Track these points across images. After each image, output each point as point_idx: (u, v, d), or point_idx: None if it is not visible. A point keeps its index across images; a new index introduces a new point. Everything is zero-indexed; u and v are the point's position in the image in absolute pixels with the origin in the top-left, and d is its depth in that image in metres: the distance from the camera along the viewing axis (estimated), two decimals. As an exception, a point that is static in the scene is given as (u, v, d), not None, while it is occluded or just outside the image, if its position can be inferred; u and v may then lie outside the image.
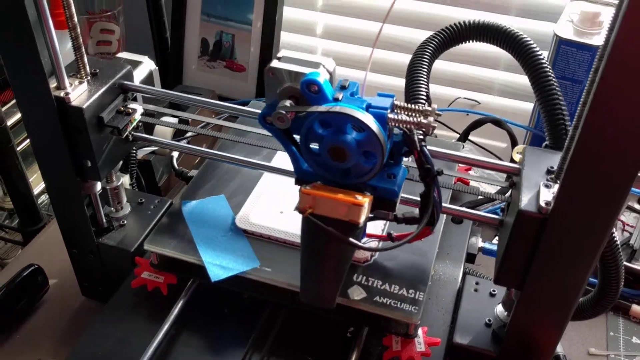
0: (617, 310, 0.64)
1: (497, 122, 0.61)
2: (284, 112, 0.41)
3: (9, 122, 0.76)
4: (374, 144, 0.40)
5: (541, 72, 0.48)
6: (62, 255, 0.61)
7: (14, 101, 0.83)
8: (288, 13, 1.02)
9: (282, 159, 0.54)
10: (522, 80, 0.95)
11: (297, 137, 0.44)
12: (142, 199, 0.62)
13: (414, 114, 0.41)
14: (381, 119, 0.41)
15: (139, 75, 0.57)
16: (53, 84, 0.49)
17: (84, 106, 0.49)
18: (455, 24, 0.52)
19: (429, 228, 0.44)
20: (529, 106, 0.81)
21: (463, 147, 0.62)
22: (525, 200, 0.41)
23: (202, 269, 0.49)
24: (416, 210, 0.45)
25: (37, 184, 0.87)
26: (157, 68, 0.59)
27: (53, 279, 0.66)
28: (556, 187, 0.41)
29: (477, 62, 0.96)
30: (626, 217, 0.72)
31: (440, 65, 0.98)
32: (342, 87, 0.43)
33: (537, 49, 0.49)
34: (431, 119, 0.40)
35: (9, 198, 0.82)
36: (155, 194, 0.73)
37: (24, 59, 0.47)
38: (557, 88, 0.48)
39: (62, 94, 0.49)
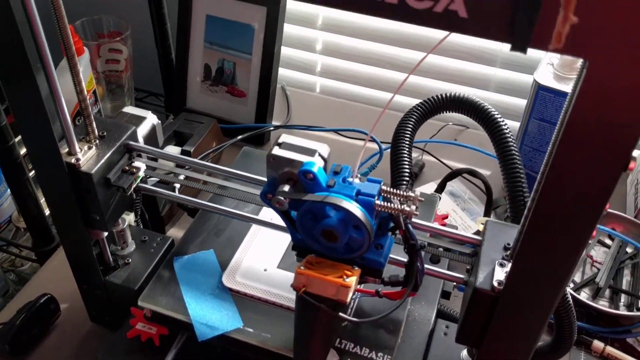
0: (579, 345, 0.70)
1: (472, 173, 0.66)
2: (282, 198, 0.47)
3: (22, 151, 0.82)
4: (362, 230, 0.46)
5: (506, 147, 0.53)
6: (72, 281, 0.67)
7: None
8: (288, 29, 1.07)
9: (269, 211, 0.59)
10: (519, 77, 1.00)
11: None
12: (145, 236, 0.68)
13: (398, 199, 0.46)
14: (368, 206, 0.46)
15: (142, 130, 0.62)
16: (64, 148, 0.55)
17: (92, 171, 0.54)
18: (432, 98, 0.56)
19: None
20: (523, 103, 0.84)
21: (440, 198, 0.67)
22: (481, 278, 0.46)
23: (191, 325, 0.55)
24: (401, 273, 0.51)
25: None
26: (159, 122, 0.64)
27: (64, 304, 0.72)
28: (509, 265, 0.46)
29: (473, 58, 1.01)
30: (596, 251, 0.77)
31: (437, 60, 1.03)
32: (335, 173, 0.48)
33: (505, 125, 0.54)
34: (414, 207, 0.45)
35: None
36: (159, 222, 0.79)
37: (37, 129, 0.52)
38: (519, 164, 0.52)
39: (72, 160, 0.54)
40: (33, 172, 0.83)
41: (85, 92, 0.55)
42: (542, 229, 0.40)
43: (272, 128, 0.97)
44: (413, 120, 0.56)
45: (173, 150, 0.85)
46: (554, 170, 0.37)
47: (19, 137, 0.83)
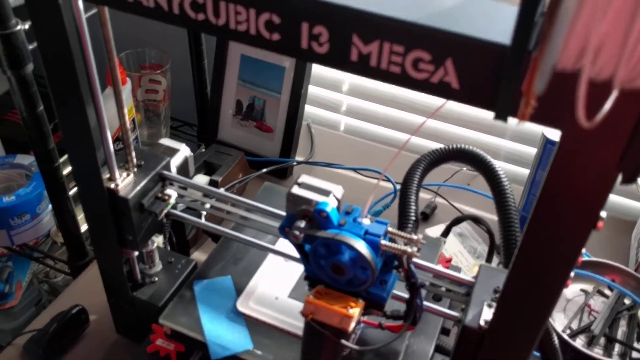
0: (573, 390, 0.73)
1: (476, 220, 0.71)
2: (297, 232, 0.52)
3: (65, 172, 0.89)
4: (366, 266, 0.51)
5: (503, 198, 0.58)
6: (102, 295, 0.73)
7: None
8: (317, 69, 1.14)
9: (285, 243, 0.64)
10: (533, 127, 1.05)
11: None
12: (172, 258, 0.74)
13: (403, 240, 0.51)
14: (375, 245, 0.51)
15: (176, 160, 0.68)
16: (106, 174, 0.61)
17: (129, 197, 0.61)
18: (440, 148, 0.62)
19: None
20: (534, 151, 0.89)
21: (444, 242, 0.72)
22: (470, 316, 0.51)
23: (206, 345, 0.61)
24: (403, 308, 0.56)
25: (85, 223, 1.00)
26: (192, 154, 0.70)
27: (93, 315, 0.79)
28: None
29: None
30: (594, 301, 0.81)
31: (457, 106, 1.08)
32: (347, 213, 0.54)
33: (504, 177, 0.59)
34: (415, 249, 0.51)
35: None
36: (184, 245, 0.85)
37: (83, 155, 0.59)
38: (514, 214, 0.57)
39: (112, 185, 0.61)
40: (73, 190, 0.90)
41: (128, 123, 0.62)
42: (522, 276, 0.45)
43: (295, 163, 1.03)
44: (421, 167, 0.61)
45: (202, 179, 0.91)
46: (533, 226, 0.42)
47: (64, 158, 0.90)
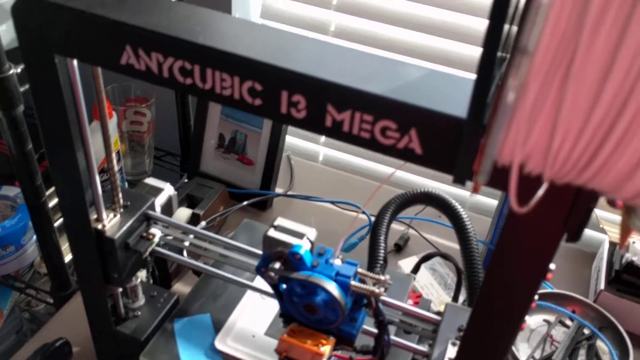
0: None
1: (445, 257, 0.75)
2: (272, 273, 0.56)
3: (51, 204, 0.91)
4: (337, 306, 0.55)
5: (467, 240, 0.62)
6: (86, 327, 0.75)
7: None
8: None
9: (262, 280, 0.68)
10: None
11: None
12: (154, 292, 0.77)
13: (371, 281, 0.55)
14: (345, 286, 0.55)
15: (160, 199, 0.72)
16: (93, 214, 0.64)
17: (116, 237, 0.64)
18: (408, 192, 0.66)
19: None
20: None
21: (414, 279, 0.76)
22: (436, 354, 0.55)
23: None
24: (372, 342, 0.59)
25: (69, 254, 1.02)
26: (176, 193, 0.74)
27: (76, 347, 0.81)
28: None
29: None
30: (556, 331, 0.85)
31: None
32: (320, 254, 0.58)
33: (468, 220, 0.63)
34: (383, 289, 0.54)
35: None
36: (167, 279, 0.88)
37: (72, 197, 0.62)
38: (477, 257, 0.61)
39: (99, 226, 0.64)
40: (58, 222, 0.93)
41: (115, 167, 0.65)
42: (483, 317, 0.49)
43: (275, 195, 1.06)
44: (390, 211, 0.65)
45: (184, 212, 0.94)
46: (491, 274, 0.46)
47: (50, 191, 0.93)
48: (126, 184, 1.10)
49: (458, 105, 0.40)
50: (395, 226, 1.03)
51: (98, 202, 0.64)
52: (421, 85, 0.42)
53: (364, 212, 0.99)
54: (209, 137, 1.09)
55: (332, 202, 1.06)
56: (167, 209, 0.74)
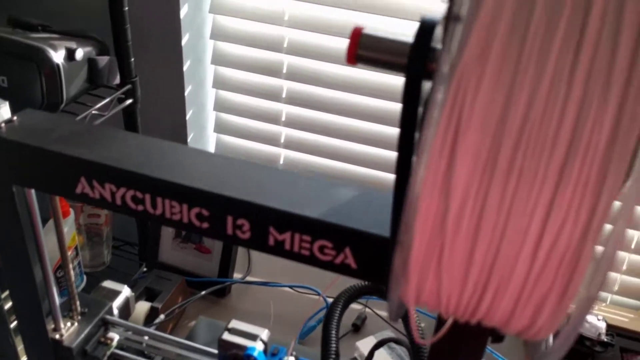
0: None
1: (398, 342, 0.78)
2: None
3: (7, 306, 0.92)
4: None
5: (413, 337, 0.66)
6: None
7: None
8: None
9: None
10: None
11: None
12: (113, 393, 0.78)
13: None
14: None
15: (118, 301, 0.74)
16: (51, 324, 0.66)
17: (73, 345, 0.65)
18: (356, 285, 0.69)
19: None
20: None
21: (367, 365, 0.79)
22: None
23: None
24: None
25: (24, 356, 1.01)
26: (133, 295, 0.76)
27: None
28: None
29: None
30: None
31: None
32: (273, 354, 0.60)
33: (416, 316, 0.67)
34: None
35: (0, 365, 0.96)
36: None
37: (29, 308, 0.64)
38: (424, 350, 0.65)
39: (57, 335, 0.65)
40: (14, 323, 0.93)
41: (72, 274, 0.67)
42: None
43: (232, 282, 1.09)
44: (340, 305, 0.69)
45: (143, 306, 0.96)
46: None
47: (5, 294, 0.93)
48: (84, 277, 1.10)
49: (387, 224, 0.44)
50: (353, 306, 1.06)
51: (55, 312, 0.65)
52: (353, 206, 0.47)
53: (323, 299, 1.02)
54: (167, 228, 1.11)
55: (291, 287, 1.08)
56: (125, 309, 0.76)
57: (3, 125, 0.51)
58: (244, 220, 0.47)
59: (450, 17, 0.23)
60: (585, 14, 0.21)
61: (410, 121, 0.29)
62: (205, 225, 0.48)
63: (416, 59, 0.28)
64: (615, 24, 0.21)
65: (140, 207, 0.49)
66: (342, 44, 1.10)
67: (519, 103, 0.22)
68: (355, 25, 0.30)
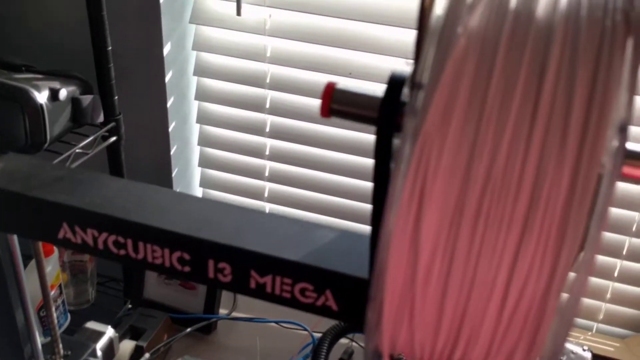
0: None
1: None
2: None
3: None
4: None
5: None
6: None
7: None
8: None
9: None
10: None
11: None
12: None
13: None
14: None
15: (102, 342, 0.73)
16: (34, 369, 0.65)
17: (56, 391, 0.65)
18: (339, 324, 0.70)
19: None
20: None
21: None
22: None
23: None
24: None
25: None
26: (117, 335, 0.76)
27: None
28: None
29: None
30: None
31: None
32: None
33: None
34: None
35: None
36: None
37: (11, 352, 0.63)
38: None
39: (40, 381, 0.65)
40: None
41: (54, 316, 0.67)
42: None
43: (218, 319, 1.08)
44: (328, 340, 0.69)
45: (128, 345, 0.95)
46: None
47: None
48: (69, 315, 1.09)
49: (366, 266, 0.45)
50: (340, 340, 1.06)
51: (37, 356, 0.65)
52: (334, 248, 0.47)
53: (310, 334, 1.02)
54: (151, 263, 1.11)
55: (277, 322, 1.08)
56: (109, 350, 0.75)
57: (-15, 171, 0.51)
58: (225, 264, 0.47)
59: (413, 84, 0.24)
60: (540, 79, 0.22)
61: (382, 173, 0.30)
62: (186, 269, 0.48)
63: (386, 113, 0.29)
64: (568, 87, 0.22)
65: (122, 252, 0.49)
66: (324, 79, 1.12)
67: (481, 161, 0.23)
68: (328, 81, 0.31)
